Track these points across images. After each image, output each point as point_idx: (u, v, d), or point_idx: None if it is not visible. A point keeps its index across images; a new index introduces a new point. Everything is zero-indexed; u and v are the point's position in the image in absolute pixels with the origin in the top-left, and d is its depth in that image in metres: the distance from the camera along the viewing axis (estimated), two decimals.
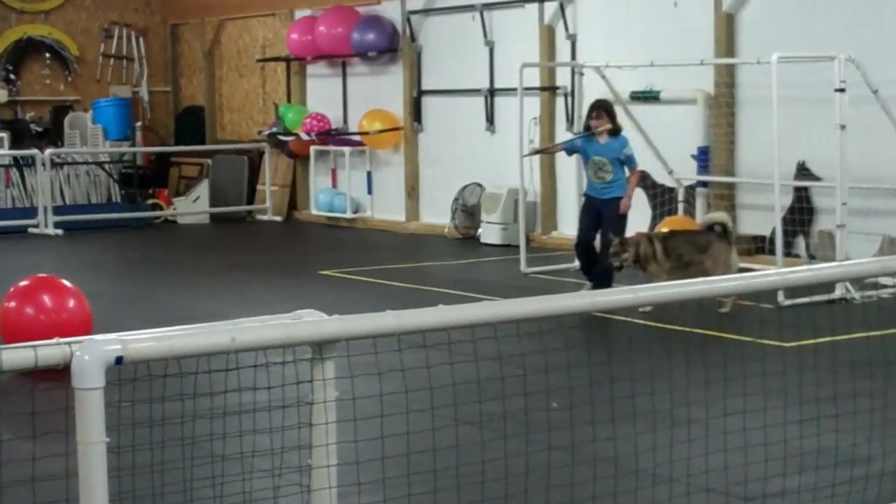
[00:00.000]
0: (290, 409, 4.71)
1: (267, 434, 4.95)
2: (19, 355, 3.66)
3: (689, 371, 7.45)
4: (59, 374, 3.80)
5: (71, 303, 9.57)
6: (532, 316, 4.52)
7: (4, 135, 21.30)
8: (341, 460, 4.35)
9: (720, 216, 12.52)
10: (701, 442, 6.25)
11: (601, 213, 12.61)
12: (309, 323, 4.18)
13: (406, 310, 4.24)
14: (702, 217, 14.36)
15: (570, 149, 13.42)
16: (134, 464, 4.66)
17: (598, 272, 12.43)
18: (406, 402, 5.23)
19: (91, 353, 3.59)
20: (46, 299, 9.55)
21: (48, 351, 3.68)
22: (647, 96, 15.97)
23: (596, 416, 6.07)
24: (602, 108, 12.75)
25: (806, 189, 14.50)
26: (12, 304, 9.51)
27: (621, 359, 6.63)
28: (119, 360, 3.64)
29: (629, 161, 12.63)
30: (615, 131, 12.64)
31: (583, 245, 12.77)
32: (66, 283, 9.76)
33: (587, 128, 12.84)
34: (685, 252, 12.07)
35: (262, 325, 4.15)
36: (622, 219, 12.54)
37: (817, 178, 14.25)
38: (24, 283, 9.76)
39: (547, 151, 15.74)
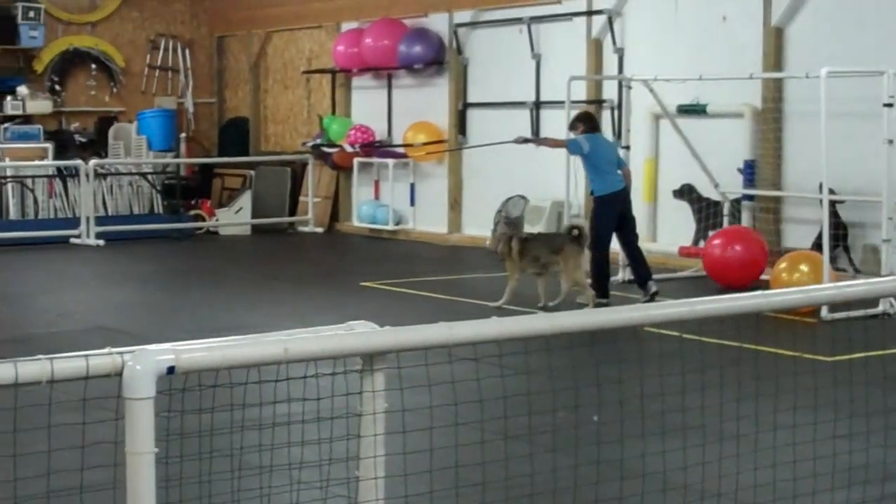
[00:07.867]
0: (338, 421, 4.68)
1: (315, 445, 4.92)
2: (70, 365, 3.63)
3: (741, 386, 7.40)
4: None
5: (756, 247, 13.95)
6: (587, 328, 4.48)
7: (49, 145, 21.34)
8: (389, 473, 4.32)
9: (578, 222, 13.25)
10: (749, 457, 6.20)
11: None
12: (361, 334, 4.15)
13: (459, 321, 4.20)
14: None
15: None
16: (182, 475, 4.64)
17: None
18: (455, 415, 5.19)
19: (143, 363, 3.57)
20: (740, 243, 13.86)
21: (99, 360, 3.64)
22: (694, 110, 15.89)
23: (645, 430, 6.02)
24: (573, 121, 13.54)
25: (832, 204, 14.24)
26: (716, 242, 14.05)
27: (672, 372, 6.56)
28: (171, 370, 3.62)
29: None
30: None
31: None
32: (754, 233, 14.30)
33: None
34: (541, 254, 12.75)
35: (315, 335, 4.12)
36: (594, 217, 13.22)
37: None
38: (720, 234, 14.29)
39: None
